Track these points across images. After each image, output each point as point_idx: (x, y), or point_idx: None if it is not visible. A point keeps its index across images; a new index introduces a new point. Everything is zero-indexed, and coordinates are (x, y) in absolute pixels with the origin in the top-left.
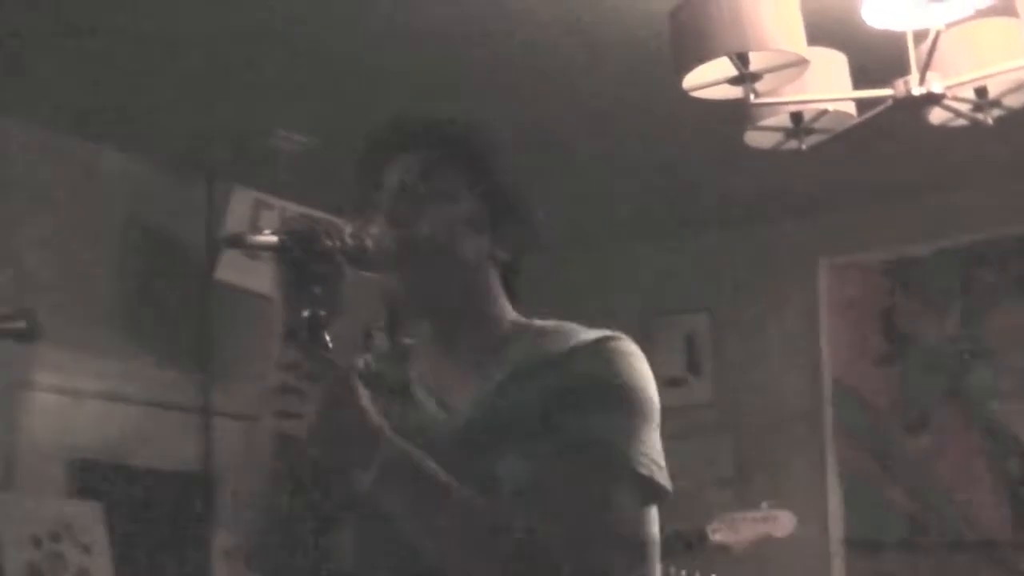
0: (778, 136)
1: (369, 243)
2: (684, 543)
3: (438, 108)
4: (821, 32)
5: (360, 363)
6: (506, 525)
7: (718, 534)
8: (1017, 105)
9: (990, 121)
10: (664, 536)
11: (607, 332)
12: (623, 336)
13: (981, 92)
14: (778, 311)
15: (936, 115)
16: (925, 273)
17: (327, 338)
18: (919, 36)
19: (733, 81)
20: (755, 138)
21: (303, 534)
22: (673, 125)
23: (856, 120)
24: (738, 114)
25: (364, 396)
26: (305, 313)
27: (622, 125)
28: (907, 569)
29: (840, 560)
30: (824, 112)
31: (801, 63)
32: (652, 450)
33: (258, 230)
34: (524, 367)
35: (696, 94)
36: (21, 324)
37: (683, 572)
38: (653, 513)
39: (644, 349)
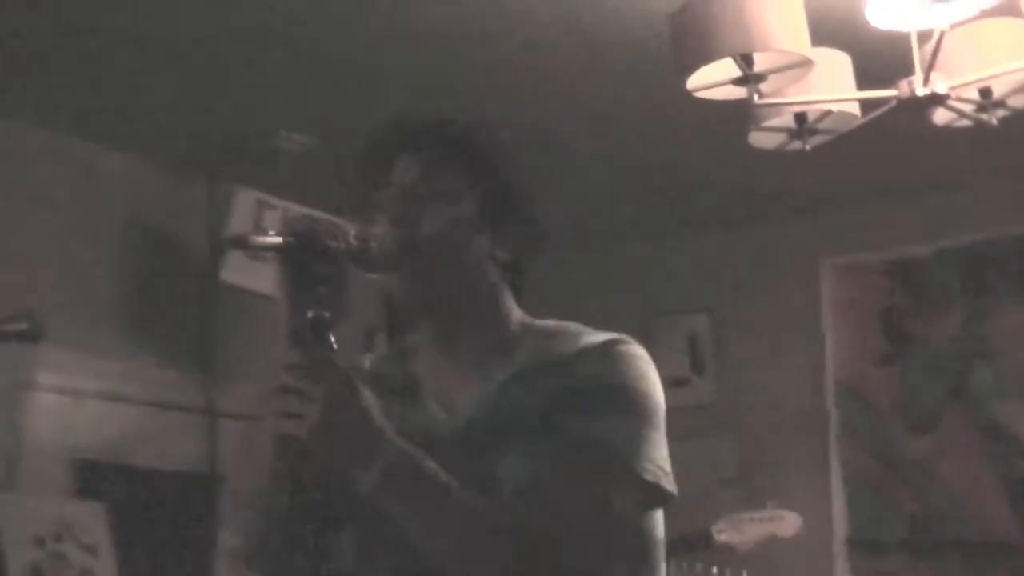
0: (782, 137)
1: (373, 244)
2: (688, 544)
3: (438, 108)
4: (825, 32)
5: (365, 362)
6: (507, 526)
7: (723, 535)
8: (1021, 106)
9: (994, 122)
10: (668, 540)
11: (615, 335)
12: (631, 339)
13: (985, 93)
14: (780, 311)
15: (940, 116)
16: (927, 273)
17: (332, 339)
18: (923, 36)
19: (737, 82)
20: (759, 139)
21: (303, 534)
22: (673, 125)
23: (860, 121)
24: (739, 114)
25: (367, 397)
26: (310, 314)
27: (622, 125)
28: (910, 569)
29: (843, 560)
30: (828, 113)
31: (805, 64)
32: (658, 455)
33: (262, 231)
34: (528, 368)
35: (700, 95)
36: (24, 325)
37: (698, 565)
38: (658, 515)
39: (646, 349)
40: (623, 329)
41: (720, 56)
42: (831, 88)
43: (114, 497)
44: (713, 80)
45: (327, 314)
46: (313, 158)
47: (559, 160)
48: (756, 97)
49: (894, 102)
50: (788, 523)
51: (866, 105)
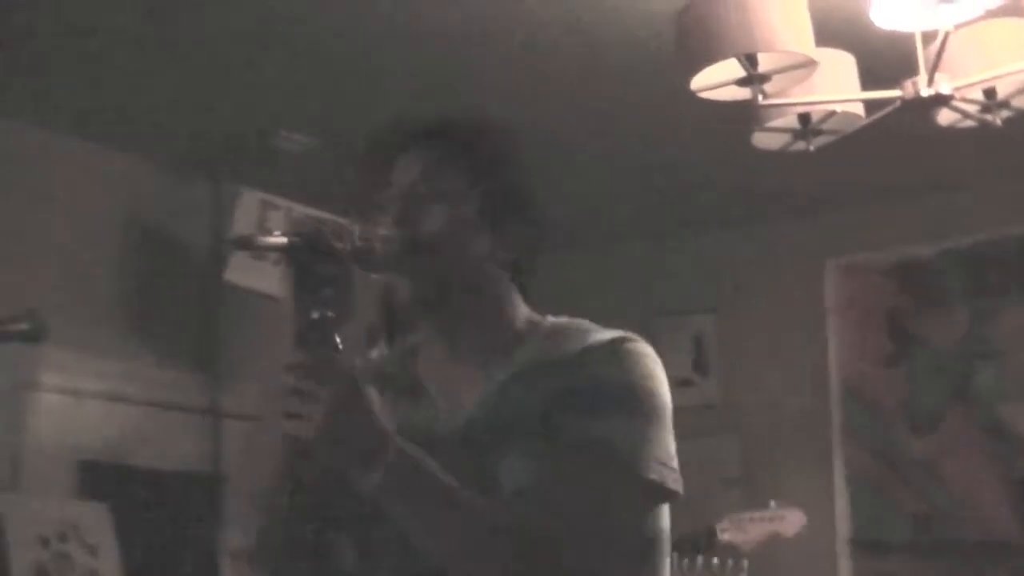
0: (786, 137)
1: (378, 245)
2: (692, 543)
3: (438, 108)
4: (829, 33)
5: (373, 354)
6: (507, 527)
7: (726, 534)
8: None
9: (999, 122)
10: (672, 539)
11: (622, 333)
12: (638, 337)
13: (990, 93)
14: (783, 312)
15: (944, 116)
16: (930, 274)
17: (337, 340)
18: (928, 37)
19: (741, 82)
20: (763, 139)
21: (303, 534)
22: (675, 125)
23: (864, 121)
24: (741, 113)
25: (371, 399)
26: (315, 315)
27: (623, 125)
28: (913, 569)
29: (847, 561)
30: (832, 113)
31: (809, 64)
32: (664, 453)
33: (266, 231)
34: (529, 367)
35: (704, 95)
36: (27, 325)
37: (699, 557)
38: (664, 510)
39: None
40: (627, 329)
41: (724, 56)
42: (835, 89)
43: (118, 498)
44: (717, 80)
45: (332, 315)
46: (313, 158)
47: (560, 160)
48: (760, 98)
49: (898, 103)
50: (791, 521)
51: (870, 106)
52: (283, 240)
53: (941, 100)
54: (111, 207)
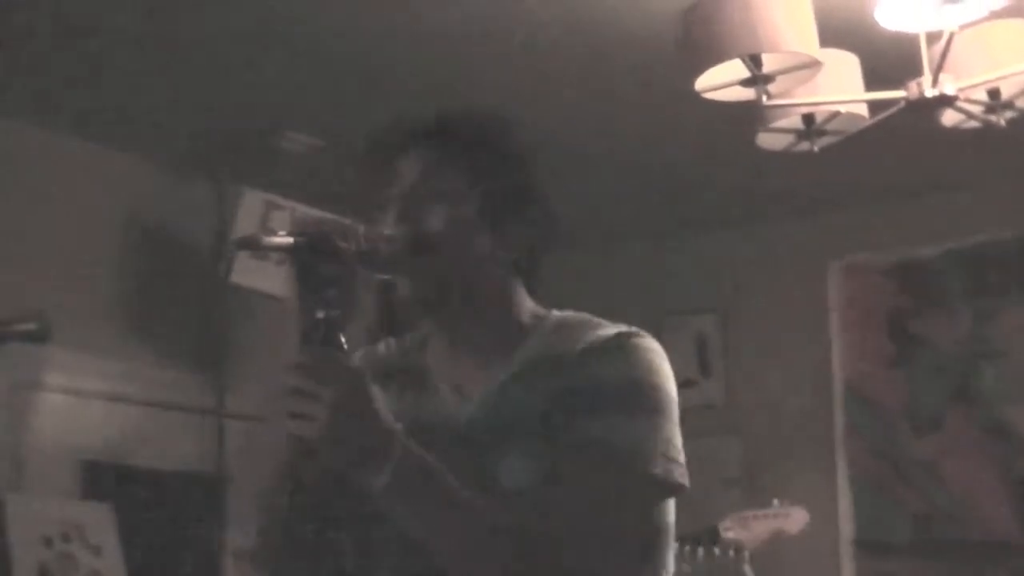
0: (790, 138)
1: (382, 245)
2: (695, 542)
3: (438, 108)
4: (833, 33)
5: (381, 347)
6: (509, 526)
7: (730, 532)
8: None
9: (1003, 123)
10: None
11: (627, 327)
12: (643, 332)
13: (994, 94)
14: (787, 312)
15: (948, 117)
16: (932, 275)
17: (343, 340)
18: (932, 37)
19: (745, 83)
20: (767, 140)
21: (303, 534)
22: (677, 125)
23: (868, 122)
24: (744, 113)
25: (377, 398)
26: (319, 314)
27: (624, 125)
28: (915, 570)
29: (849, 561)
30: (836, 114)
31: (813, 65)
32: (670, 447)
33: (270, 231)
34: (532, 365)
35: (708, 96)
36: (32, 325)
37: (730, 553)
38: (670, 503)
39: None
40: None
41: (729, 57)
42: (839, 89)
43: (119, 497)
44: (722, 81)
45: (337, 315)
46: (315, 158)
47: (560, 160)
48: (764, 98)
49: (903, 103)
50: (795, 519)
51: (874, 106)
52: (288, 240)
53: (945, 101)
54: (112, 207)
